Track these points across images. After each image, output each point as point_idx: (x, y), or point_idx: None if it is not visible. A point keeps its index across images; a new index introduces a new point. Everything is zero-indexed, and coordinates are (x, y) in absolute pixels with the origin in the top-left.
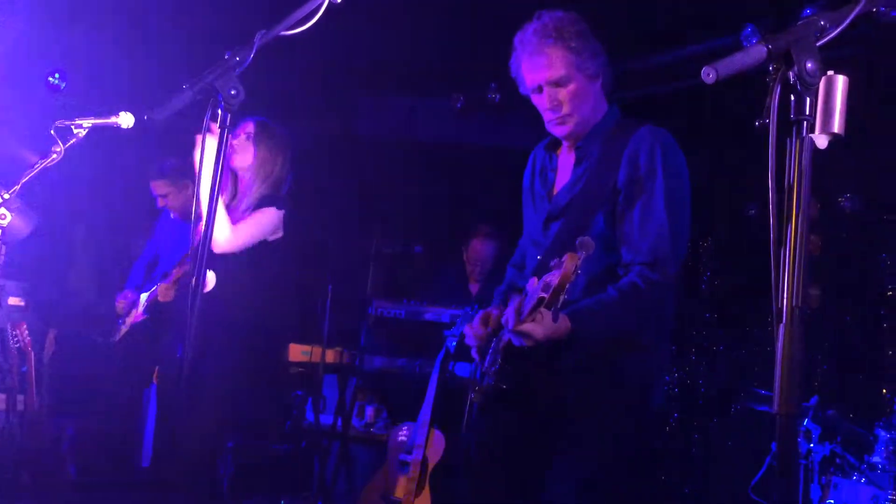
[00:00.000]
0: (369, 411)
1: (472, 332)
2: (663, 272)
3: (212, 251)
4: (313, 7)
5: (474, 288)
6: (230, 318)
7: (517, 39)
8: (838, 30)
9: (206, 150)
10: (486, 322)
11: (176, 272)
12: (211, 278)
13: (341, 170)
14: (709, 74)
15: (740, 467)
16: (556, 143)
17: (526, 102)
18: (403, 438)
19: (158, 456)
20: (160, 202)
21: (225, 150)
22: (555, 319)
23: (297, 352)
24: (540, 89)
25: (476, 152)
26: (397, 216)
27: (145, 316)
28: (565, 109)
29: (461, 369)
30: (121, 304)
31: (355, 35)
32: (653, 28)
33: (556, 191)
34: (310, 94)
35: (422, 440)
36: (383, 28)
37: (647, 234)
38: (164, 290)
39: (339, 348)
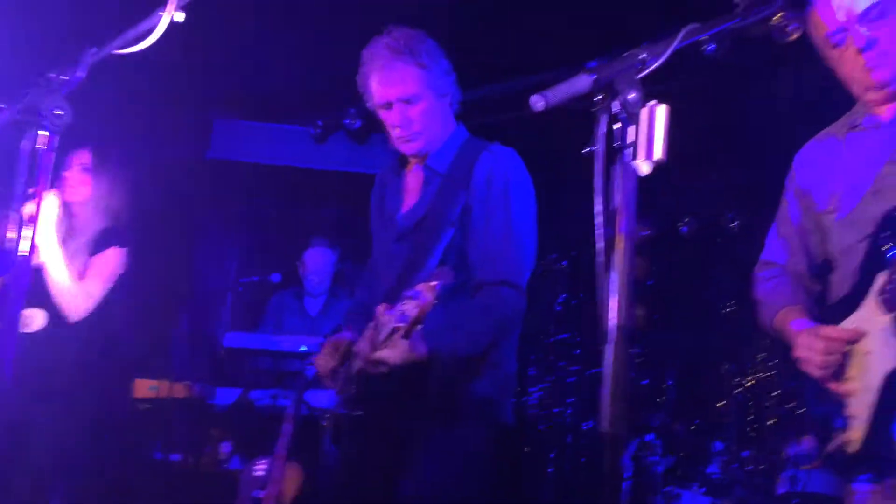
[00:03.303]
0: (223, 447)
1: (321, 360)
2: (514, 291)
3: (47, 290)
4: (152, 24)
5: (312, 304)
6: (66, 357)
7: (366, 53)
8: (658, 62)
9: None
10: (336, 348)
11: None
12: (40, 317)
13: (197, 196)
14: (537, 102)
15: (594, 484)
16: (403, 162)
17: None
18: (259, 473)
19: None
20: None
21: (54, 179)
22: (413, 349)
23: (144, 387)
24: (389, 105)
25: (336, 178)
26: (256, 244)
27: None
28: (415, 127)
29: (319, 398)
30: None
31: (210, 56)
32: (526, 52)
33: (404, 210)
34: (162, 116)
35: (278, 474)
36: (241, 50)
37: (496, 254)
38: None
39: (188, 382)
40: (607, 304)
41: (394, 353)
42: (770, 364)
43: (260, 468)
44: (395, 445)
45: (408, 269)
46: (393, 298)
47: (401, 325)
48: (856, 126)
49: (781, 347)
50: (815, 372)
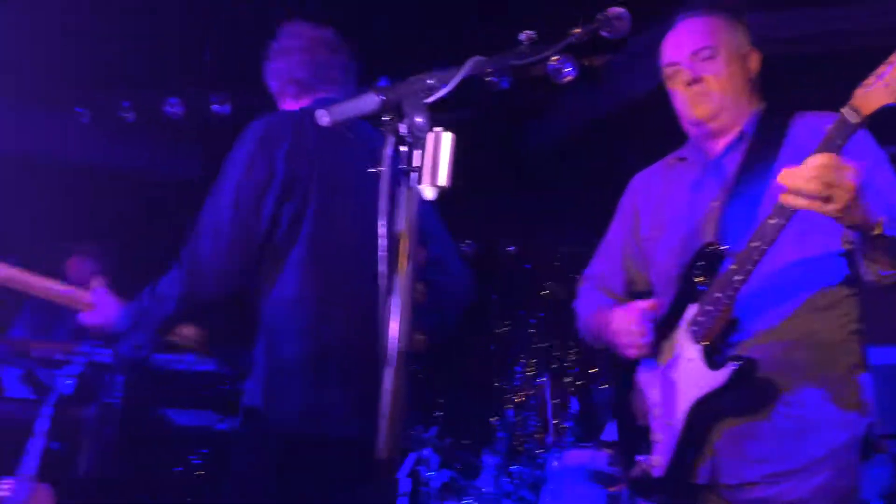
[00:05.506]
0: None
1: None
2: (191, 284)
3: None
4: None
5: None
6: None
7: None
8: (446, 90)
9: None
10: None
11: None
12: None
13: None
14: (323, 117)
15: None
16: None
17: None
18: (3, 494)
19: None
20: None
21: None
22: None
23: None
24: None
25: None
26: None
27: None
28: None
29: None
30: None
31: None
32: None
33: None
34: None
35: (23, 496)
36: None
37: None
38: None
39: None
40: (388, 328)
41: None
42: (537, 382)
43: (5, 490)
44: None
45: None
46: None
47: None
48: (684, 159)
49: (551, 364)
50: (631, 348)
